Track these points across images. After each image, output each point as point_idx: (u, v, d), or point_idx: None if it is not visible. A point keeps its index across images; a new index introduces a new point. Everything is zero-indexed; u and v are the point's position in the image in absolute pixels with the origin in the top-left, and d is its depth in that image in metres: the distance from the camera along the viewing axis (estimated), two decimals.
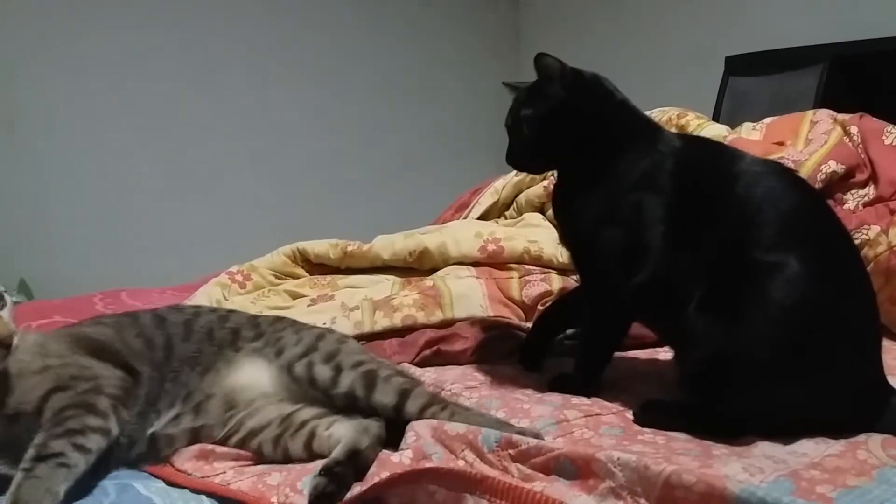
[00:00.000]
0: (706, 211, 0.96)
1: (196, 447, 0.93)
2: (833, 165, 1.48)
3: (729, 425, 0.88)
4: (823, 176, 1.47)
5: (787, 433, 0.85)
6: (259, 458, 0.92)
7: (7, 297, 0.87)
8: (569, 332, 1.29)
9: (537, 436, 0.83)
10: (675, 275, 0.95)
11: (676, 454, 0.82)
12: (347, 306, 1.39)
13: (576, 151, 1.04)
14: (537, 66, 1.04)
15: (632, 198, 0.99)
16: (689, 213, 0.97)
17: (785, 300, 0.87)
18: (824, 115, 1.64)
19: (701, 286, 0.92)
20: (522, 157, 1.10)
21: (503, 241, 1.57)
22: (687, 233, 0.96)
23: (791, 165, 1.39)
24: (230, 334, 1.04)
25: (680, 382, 0.96)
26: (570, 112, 1.03)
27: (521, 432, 0.82)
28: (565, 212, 1.11)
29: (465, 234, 1.61)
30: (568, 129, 1.04)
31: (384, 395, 0.92)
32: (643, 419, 0.94)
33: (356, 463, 0.79)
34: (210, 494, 0.82)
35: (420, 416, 0.88)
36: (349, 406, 0.94)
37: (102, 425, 0.82)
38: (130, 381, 0.90)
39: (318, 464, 0.82)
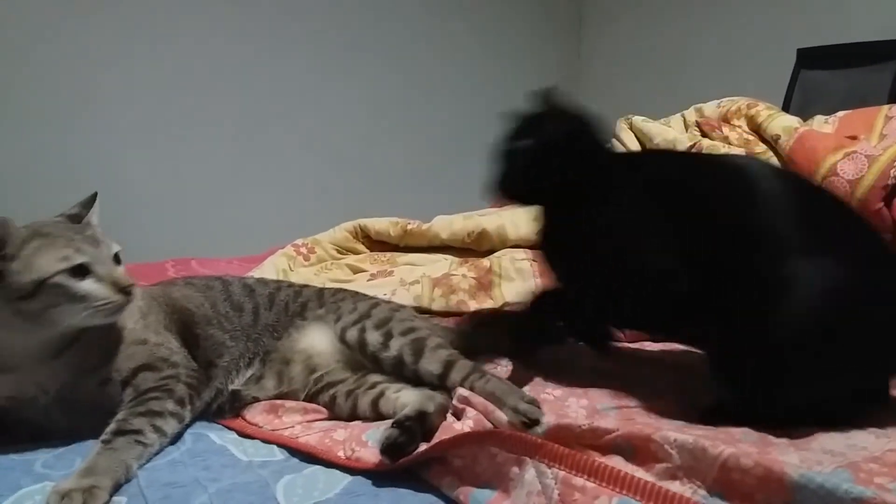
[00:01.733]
0: (710, 223, 0.93)
1: (266, 402, 0.99)
2: None
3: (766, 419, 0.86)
4: None
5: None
6: (329, 410, 0.98)
7: (120, 256, 0.91)
8: None
9: (533, 402, 0.84)
10: (695, 290, 0.91)
11: (734, 440, 0.81)
12: (406, 282, 1.42)
13: (568, 189, 1.01)
14: (542, 99, 1.05)
15: (636, 224, 0.96)
16: (697, 230, 0.93)
17: (812, 298, 0.84)
18: None
19: (722, 294, 0.89)
20: (514, 185, 1.07)
21: None
22: (700, 247, 0.92)
23: (864, 160, 1.35)
24: (300, 307, 1.12)
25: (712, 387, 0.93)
26: (564, 151, 1.01)
27: (532, 401, 0.84)
28: (565, 249, 1.05)
29: (523, 218, 1.61)
30: (564, 167, 1.01)
31: (430, 364, 0.96)
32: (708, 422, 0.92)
33: (424, 423, 0.83)
34: (280, 446, 0.87)
35: (461, 385, 0.91)
36: (397, 372, 0.98)
37: (179, 412, 0.88)
38: (203, 375, 0.96)
39: (382, 423, 0.86)
